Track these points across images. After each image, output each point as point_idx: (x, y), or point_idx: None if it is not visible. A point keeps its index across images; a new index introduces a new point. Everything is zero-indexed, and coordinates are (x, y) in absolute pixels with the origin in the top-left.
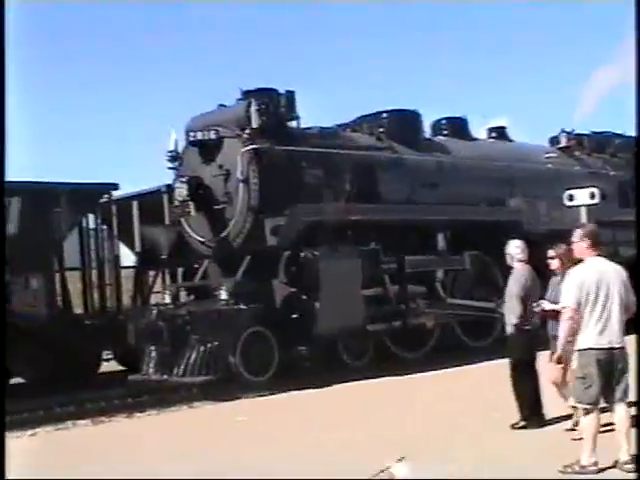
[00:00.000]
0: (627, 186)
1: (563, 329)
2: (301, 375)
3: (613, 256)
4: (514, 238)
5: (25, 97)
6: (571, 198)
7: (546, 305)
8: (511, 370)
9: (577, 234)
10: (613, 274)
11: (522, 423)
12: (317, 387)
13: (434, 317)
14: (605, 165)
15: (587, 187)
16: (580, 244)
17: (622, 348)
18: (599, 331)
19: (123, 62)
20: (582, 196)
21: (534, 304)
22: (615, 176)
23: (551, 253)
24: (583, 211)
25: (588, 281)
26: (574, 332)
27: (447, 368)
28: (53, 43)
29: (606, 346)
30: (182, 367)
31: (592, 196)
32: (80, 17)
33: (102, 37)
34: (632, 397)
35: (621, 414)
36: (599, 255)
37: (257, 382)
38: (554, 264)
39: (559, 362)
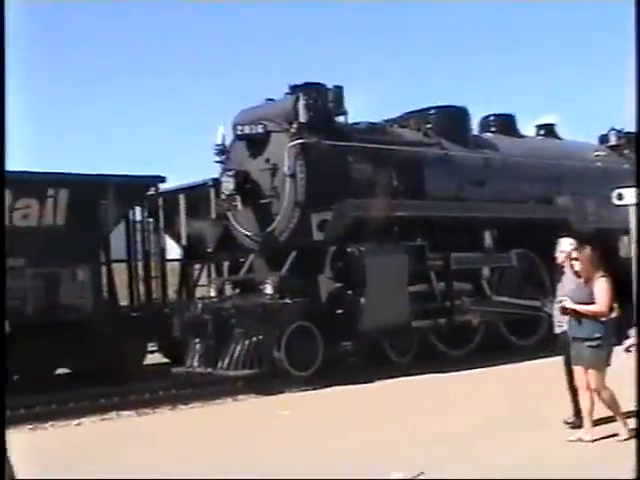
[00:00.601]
0: None
1: None
2: (345, 371)
3: None
4: (562, 236)
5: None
6: (620, 197)
7: (568, 303)
8: (566, 368)
9: None
10: None
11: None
12: (360, 383)
13: (479, 314)
14: None
15: (636, 186)
16: None
17: None
18: None
19: (125, 60)
20: (631, 195)
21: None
22: None
23: (574, 254)
24: (632, 210)
25: None
26: None
27: (492, 366)
28: (55, 41)
29: None
30: (226, 360)
31: None
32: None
33: (106, 33)
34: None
35: None
36: None
37: (301, 377)
38: (576, 266)
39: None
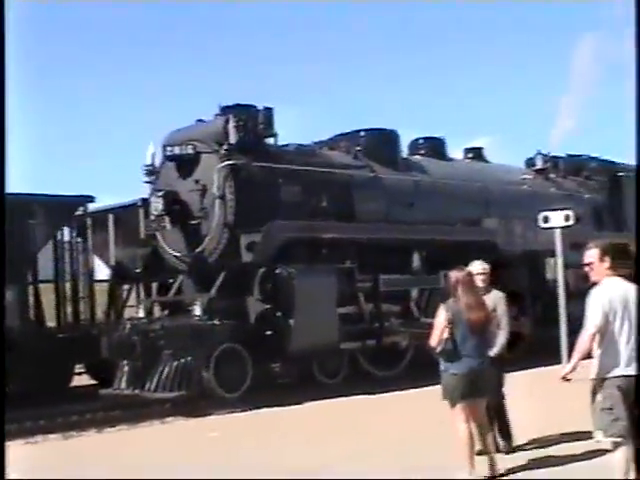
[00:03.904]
0: (602, 209)
1: (582, 350)
2: (274, 392)
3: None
4: (488, 258)
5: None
6: (546, 220)
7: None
8: None
9: (595, 253)
10: (634, 295)
11: None
12: (289, 405)
13: (408, 336)
14: (580, 188)
15: (562, 209)
16: (600, 263)
17: None
18: (627, 357)
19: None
20: (557, 218)
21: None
22: (590, 199)
23: (451, 275)
24: (557, 233)
25: (614, 301)
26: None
27: (422, 387)
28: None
29: (633, 373)
30: (155, 382)
31: (567, 218)
32: None
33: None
34: None
35: None
36: (618, 275)
37: (230, 398)
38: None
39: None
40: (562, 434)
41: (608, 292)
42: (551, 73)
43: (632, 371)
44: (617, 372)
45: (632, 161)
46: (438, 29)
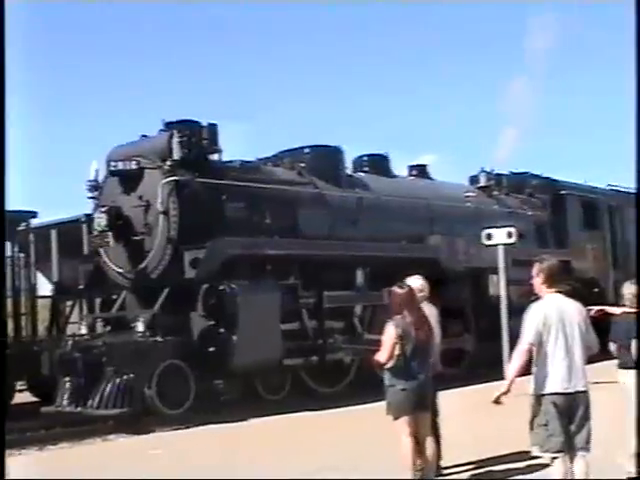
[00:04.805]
0: (544, 226)
1: (515, 368)
2: (217, 409)
3: (530, 295)
4: (432, 275)
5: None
6: (489, 237)
7: None
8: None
9: (539, 269)
10: (574, 312)
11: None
12: (233, 421)
13: (351, 352)
14: (523, 205)
15: (504, 226)
16: (536, 279)
17: (585, 392)
18: (563, 374)
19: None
20: (500, 235)
21: None
22: (532, 216)
23: (396, 292)
24: (500, 250)
25: (549, 318)
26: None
27: (365, 403)
28: None
29: (570, 390)
30: (97, 399)
31: (509, 235)
32: None
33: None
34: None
35: (581, 466)
36: (557, 292)
37: (173, 415)
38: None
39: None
40: (503, 451)
41: (544, 309)
42: (496, 90)
43: (567, 388)
44: (552, 389)
45: (575, 179)
46: (383, 45)
